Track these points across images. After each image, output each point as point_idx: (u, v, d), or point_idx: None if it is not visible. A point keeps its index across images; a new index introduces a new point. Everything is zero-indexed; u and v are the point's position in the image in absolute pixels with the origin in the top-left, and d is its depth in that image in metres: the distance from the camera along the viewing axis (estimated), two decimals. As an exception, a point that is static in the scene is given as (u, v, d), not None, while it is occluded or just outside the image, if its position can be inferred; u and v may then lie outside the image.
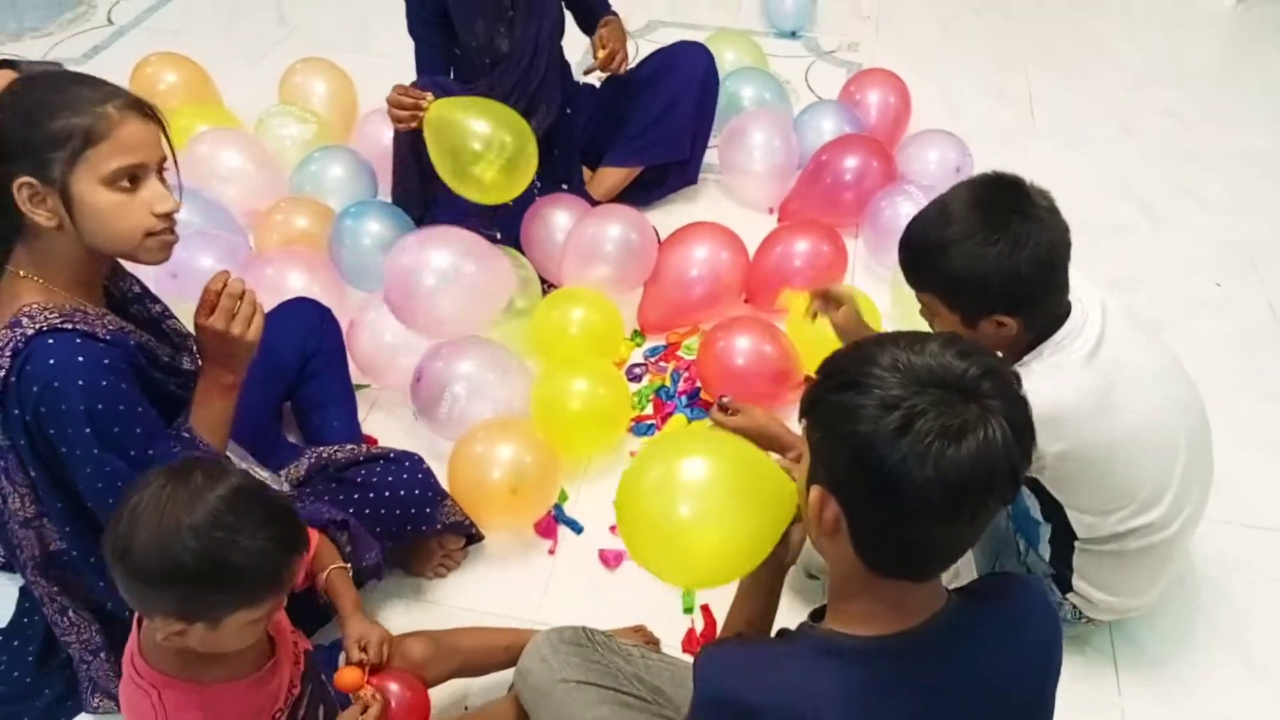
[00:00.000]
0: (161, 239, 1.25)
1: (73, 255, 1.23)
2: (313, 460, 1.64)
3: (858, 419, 0.83)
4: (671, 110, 2.35)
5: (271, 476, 1.54)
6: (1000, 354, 1.36)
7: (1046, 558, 1.49)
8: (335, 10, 3.42)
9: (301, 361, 1.83)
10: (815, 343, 1.94)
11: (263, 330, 1.35)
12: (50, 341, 1.17)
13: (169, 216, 1.24)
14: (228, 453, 1.41)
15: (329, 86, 2.66)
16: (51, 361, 1.16)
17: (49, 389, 1.16)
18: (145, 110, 1.21)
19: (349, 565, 1.40)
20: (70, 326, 1.19)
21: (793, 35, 3.27)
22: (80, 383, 1.17)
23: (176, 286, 1.84)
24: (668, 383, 2.04)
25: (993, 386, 0.83)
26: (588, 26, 2.29)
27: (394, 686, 1.31)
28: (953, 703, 0.91)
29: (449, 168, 1.89)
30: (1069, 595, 1.49)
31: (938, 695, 0.90)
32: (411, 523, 1.57)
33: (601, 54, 2.17)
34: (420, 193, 2.18)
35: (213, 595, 1.00)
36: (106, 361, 1.20)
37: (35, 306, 1.20)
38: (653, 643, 1.55)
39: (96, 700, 1.47)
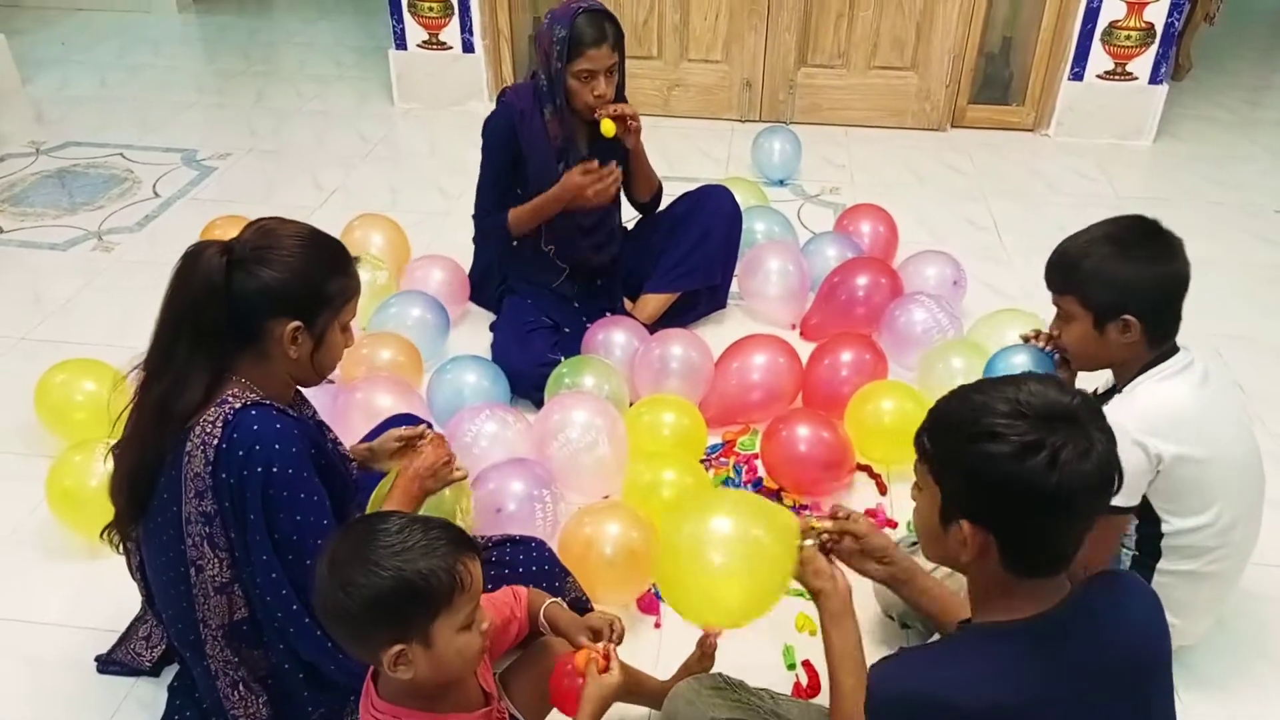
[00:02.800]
0: None
1: (278, 379, 1.48)
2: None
3: (1004, 462, 1.01)
4: (704, 242, 2.68)
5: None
6: (1115, 369, 1.61)
7: None
8: (366, 177, 3.76)
9: None
10: (873, 434, 2.22)
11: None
12: (254, 413, 1.39)
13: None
14: None
15: (385, 237, 2.95)
16: (255, 428, 1.38)
17: (252, 452, 1.37)
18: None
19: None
20: (269, 404, 1.42)
21: (780, 183, 3.69)
22: (276, 447, 1.38)
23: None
24: (732, 474, 2.26)
25: (1091, 412, 1.06)
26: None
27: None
28: (1094, 664, 1.08)
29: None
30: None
31: (1082, 660, 1.07)
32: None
33: (619, 108, 2.40)
34: (495, 292, 2.70)
35: (409, 607, 1.15)
36: (298, 432, 1.42)
37: (238, 390, 1.42)
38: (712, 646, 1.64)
39: None
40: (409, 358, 2.44)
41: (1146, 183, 3.80)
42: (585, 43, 2.30)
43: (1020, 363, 1.84)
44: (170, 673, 1.75)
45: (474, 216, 2.61)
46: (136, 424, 1.45)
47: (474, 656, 1.24)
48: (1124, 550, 1.67)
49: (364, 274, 2.70)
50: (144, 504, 1.46)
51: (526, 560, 1.74)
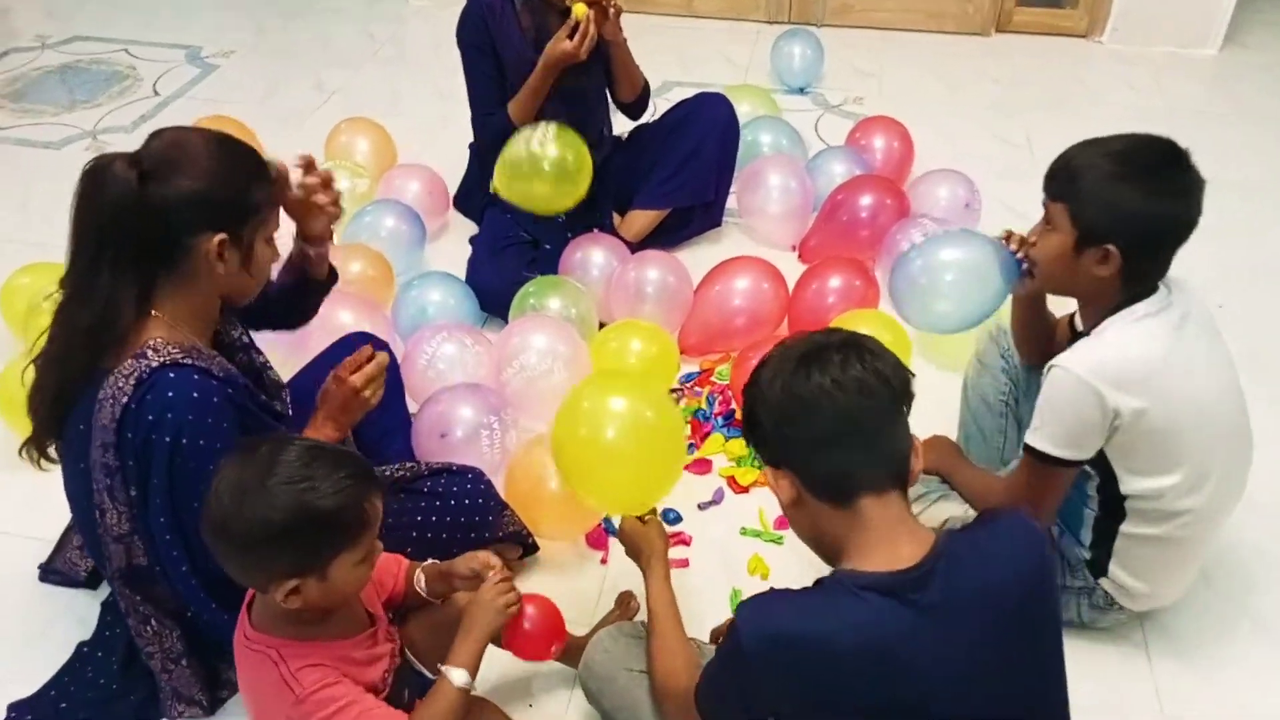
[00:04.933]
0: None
1: (205, 300, 1.40)
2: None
3: (762, 388, 1.10)
4: (696, 155, 2.51)
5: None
6: (1080, 302, 1.50)
7: (1087, 542, 1.56)
8: (369, 79, 3.63)
9: None
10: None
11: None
12: (171, 375, 1.29)
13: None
14: None
15: (371, 143, 2.83)
16: (170, 394, 1.29)
17: (163, 419, 1.28)
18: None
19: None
20: (190, 362, 1.32)
21: (801, 91, 3.46)
22: (189, 418, 1.30)
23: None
24: (704, 405, 2.15)
25: (855, 335, 1.10)
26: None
27: (530, 608, 1.38)
28: (964, 612, 1.02)
29: (505, 176, 2.13)
30: (1101, 580, 1.57)
31: (951, 609, 1.02)
32: (475, 530, 1.67)
33: None
34: (479, 203, 2.56)
35: (313, 543, 1.10)
36: (216, 400, 1.32)
37: (160, 340, 1.32)
38: (635, 608, 1.66)
39: (180, 708, 1.55)
40: (379, 271, 2.35)
41: (1205, 96, 3.49)
42: None
43: (967, 259, 1.63)
44: (106, 588, 1.73)
45: (474, 125, 2.47)
46: (61, 344, 1.37)
47: (363, 584, 1.22)
48: (1086, 510, 1.54)
49: (343, 182, 2.65)
50: (61, 425, 1.41)
51: (460, 492, 1.68)
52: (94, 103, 3.45)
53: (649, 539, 1.45)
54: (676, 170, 2.51)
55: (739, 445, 2.04)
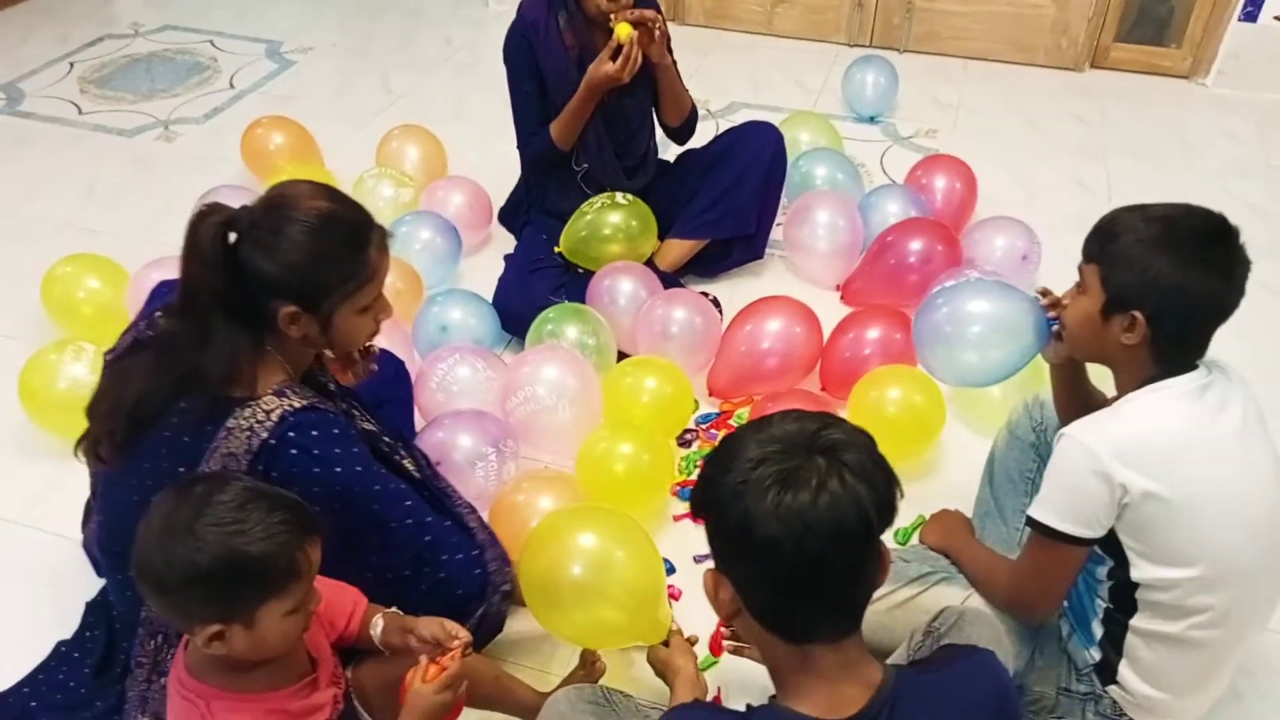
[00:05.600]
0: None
1: (301, 349, 1.39)
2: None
3: (720, 491, 0.91)
4: (739, 185, 2.42)
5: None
6: (1115, 373, 1.40)
7: (1096, 638, 1.44)
8: (439, 83, 3.64)
9: (373, 410, 1.91)
10: (873, 423, 1.96)
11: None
12: (313, 417, 1.31)
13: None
14: None
15: (421, 152, 2.83)
16: (315, 433, 1.30)
17: (310, 457, 1.29)
18: (387, 241, 1.39)
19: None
20: (325, 407, 1.34)
21: (871, 120, 3.33)
22: (337, 451, 1.31)
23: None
24: (716, 450, 2.06)
25: (842, 436, 0.89)
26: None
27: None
28: None
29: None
30: (1110, 688, 1.44)
31: None
32: (452, 613, 1.60)
33: (639, 13, 2.16)
34: (521, 220, 2.57)
35: (238, 589, 1.06)
36: (353, 433, 1.35)
37: (290, 381, 1.34)
38: (600, 670, 1.58)
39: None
40: (408, 284, 2.34)
41: (1314, 151, 3.23)
42: None
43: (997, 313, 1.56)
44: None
45: (519, 146, 2.44)
46: (154, 361, 1.36)
47: (296, 637, 1.17)
48: (1096, 600, 1.42)
49: (387, 190, 2.66)
50: (132, 437, 1.37)
51: (448, 579, 1.58)
52: (171, 93, 3.54)
53: (672, 665, 1.39)
54: (717, 200, 2.43)
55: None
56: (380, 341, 2.04)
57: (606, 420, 2.00)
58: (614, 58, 2.15)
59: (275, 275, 1.28)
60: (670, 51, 2.33)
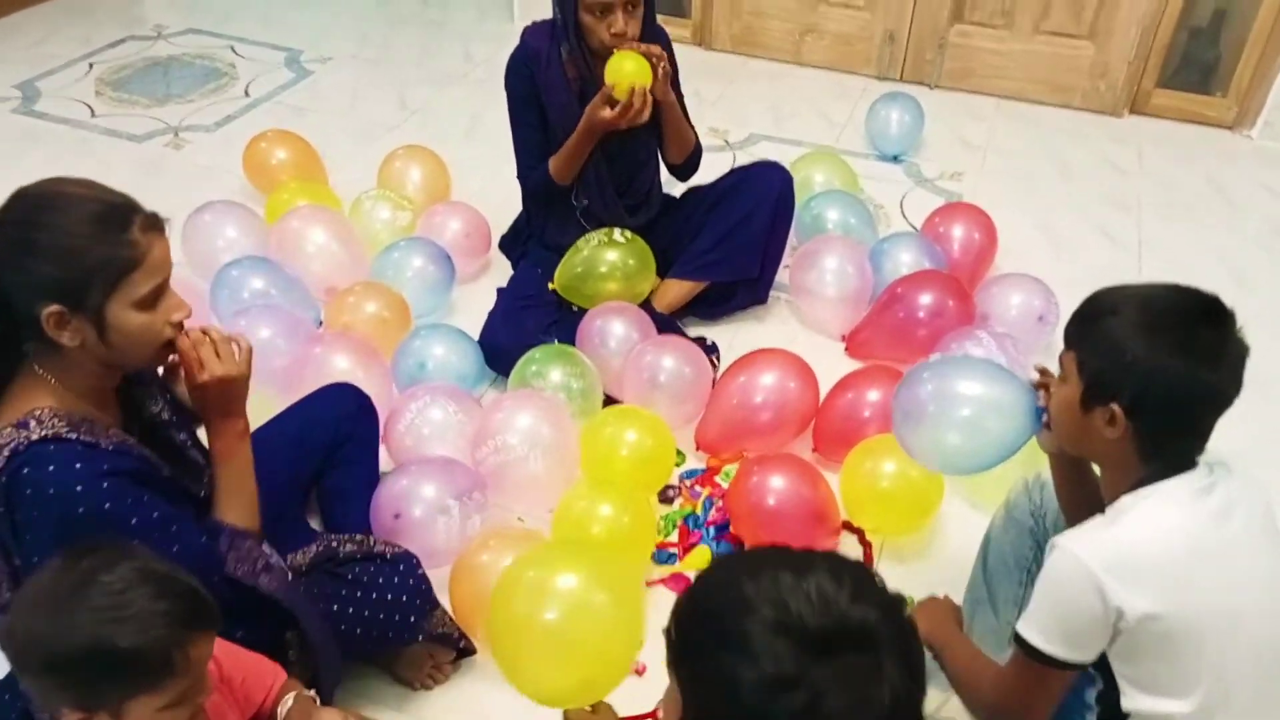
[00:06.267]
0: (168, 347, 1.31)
1: (89, 366, 1.27)
2: (321, 548, 1.62)
3: (745, 689, 0.74)
4: (743, 228, 2.32)
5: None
6: (1102, 469, 1.28)
7: None
8: (453, 100, 3.57)
9: (333, 446, 1.83)
10: (867, 497, 1.86)
11: (252, 359, 1.39)
12: (52, 448, 1.19)
13: (180, 323, 1.29)
14: None
15: (424, 173, 2.75)
16: (50, 468, 1.18)
17: (45, 496, 1.17)
18: (161, 225, 1.25)
19: (314, 693, 1.35)
20: (74, 436, 1.21)
21: (895, 159, 3.21)
22: (79, 489, 1.18)
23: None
24: (698, 510, 1.96)
25: (890, 629, 0.75)
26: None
27: None
28: None
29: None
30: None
31: None
32: (394, 629, 1.53)
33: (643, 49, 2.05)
34: (519, 250, 2.48)
35: (100, 682, 0.99)
36: (106, 467, 1.22)
37: (45, 411, 1.22)
38: None
39: None
40: (395, 314, 2.26)
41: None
42: None
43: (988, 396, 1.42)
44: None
45: (519, 176, 2.36)
46: None
47: None
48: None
49: (384, 213, 2.59)
50: None
51: (386, 585, 1.54)
52: (186, 98, 3.50)
53: None
54: (719, 242, 2.33)
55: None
56: (357, 374, 2.00)
57: (585, 473, 1.90)
58: (611, 104, 2.05)
59: (28, 269, 1.17)
60: (677, 86, 2.23)
